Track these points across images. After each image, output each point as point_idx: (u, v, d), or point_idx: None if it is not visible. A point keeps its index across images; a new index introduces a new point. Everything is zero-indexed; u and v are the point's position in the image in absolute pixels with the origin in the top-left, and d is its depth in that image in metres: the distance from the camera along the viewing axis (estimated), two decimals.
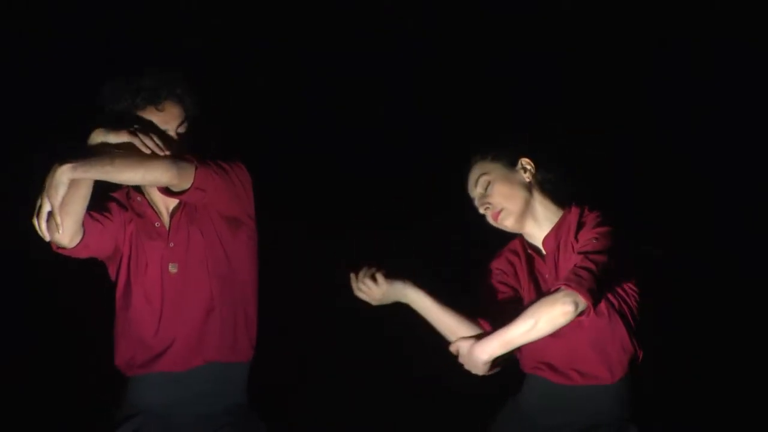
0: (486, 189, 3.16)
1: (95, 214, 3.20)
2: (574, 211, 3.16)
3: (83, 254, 3.19)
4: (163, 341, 3.18)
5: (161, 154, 3.08)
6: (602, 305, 3.05)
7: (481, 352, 2.97)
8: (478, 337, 3.01)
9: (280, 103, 4.57)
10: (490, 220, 3.19)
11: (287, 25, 4.62)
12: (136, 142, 3.07)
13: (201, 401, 3.19)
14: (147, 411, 3.19)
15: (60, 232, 3.04)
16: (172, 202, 3.22)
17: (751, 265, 4.48)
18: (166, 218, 3.22)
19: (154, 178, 3.07)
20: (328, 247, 4.44)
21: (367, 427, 4.39)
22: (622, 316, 3.09)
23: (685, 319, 4.14)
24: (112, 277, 3.27)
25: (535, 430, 3.16)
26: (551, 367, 3.13)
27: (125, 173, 3.03)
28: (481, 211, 3.18)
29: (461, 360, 3.03)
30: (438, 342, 4.58)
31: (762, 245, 4.47)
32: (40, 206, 2.99)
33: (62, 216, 3.00)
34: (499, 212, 3.15)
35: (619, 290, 3.10)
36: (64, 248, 3.14)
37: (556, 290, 2.94)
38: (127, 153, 3.05)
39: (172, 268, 3.19)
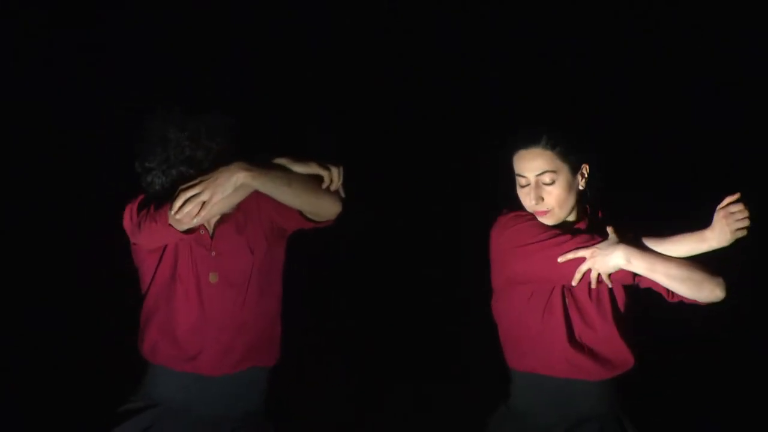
0: (548, 184, 3.10)
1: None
2: (592, 214, 3.18)
3: (176, 238, 3.11)
4: (194, 345, 3.16)
5: (333, 189, 3.13)
6: (609, 311, 3.11)
7: (623, 258, 2.98)
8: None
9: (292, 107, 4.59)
10: (530, 208, 3.13)
11: (301, 26, 4.63)
12: (325, 174, 3.11)
13: (221, 402, 3.19)
14: (165, 404, 3.18)
15: (194, 223, 3.02)
16: None
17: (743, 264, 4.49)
18: (209, 226, 3.19)
19: (319, 210, 3.13)
20: (332, 252, 4.45)
21: None
22: (621, 322, 3.13)
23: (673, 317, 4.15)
24: (150, 265, 3.20)
25: (528, 429, 3.17)
26: (544, 360, 3.14)
27: (298, 198, 3.07)
28: (531, 200, 3.11)
29: (600, 246, 3.02)
30: (435, 349, 4.62)
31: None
32: (198, 192, 2.98)
33: (209, 209, 2.99)
34: (546, 212, 3.12)
35: (627, 299, 3.15)
36: (176, 229, 3.06)
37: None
38: (302, 177, 3.07)
39: (213, 278, 3.16)
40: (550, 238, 3.07)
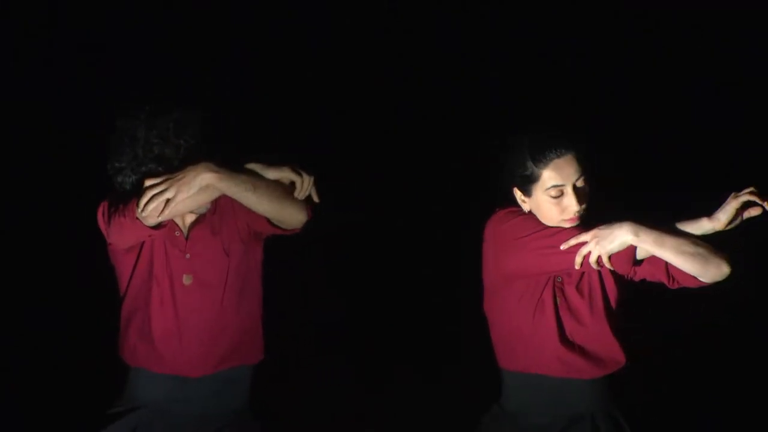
0: (581, 188, 3.03)
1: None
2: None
3: (145, 234, 3.09)
4: (172, 348, 3.15)
5: (301, 198, 3.09)
6: (601, 309, 3.10)
7: (631, 232, 2.92)
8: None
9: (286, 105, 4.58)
10: (566, 216, 3.04)
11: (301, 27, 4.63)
12: (297, 181, 3.07)
13: (205, 403, 3.19)
14: (150, 406, 3.17)
15: (160, 219, 3.01)
16: (191, 214, 3.16)
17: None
18: (184, 228, 3.19)
19: (284, 217, 3.09)
20: (320, 250, 4.45)
21: None
22: (612, 319, 3.13)
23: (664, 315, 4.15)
24: (127, 267, 3.19)
25: (521, 429, 3.16)
26: (536, 360, 3.13)
27: (261, 204, 3.03)
28: (574, 207, 3.02)
29: (603, 227, 2.96)
30: (434, 349, 4.62)
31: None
32: (164, 189, 2.97)
33: (174, 206, 2.98)
34: (578, 218, 3.04)
35: (619, 296, 3.14)
36: (143, 224, 3.05)
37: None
38: (268, 184, 3.04)
39: (186, 280, 3.15)
40: (545, 229, 3.04)
